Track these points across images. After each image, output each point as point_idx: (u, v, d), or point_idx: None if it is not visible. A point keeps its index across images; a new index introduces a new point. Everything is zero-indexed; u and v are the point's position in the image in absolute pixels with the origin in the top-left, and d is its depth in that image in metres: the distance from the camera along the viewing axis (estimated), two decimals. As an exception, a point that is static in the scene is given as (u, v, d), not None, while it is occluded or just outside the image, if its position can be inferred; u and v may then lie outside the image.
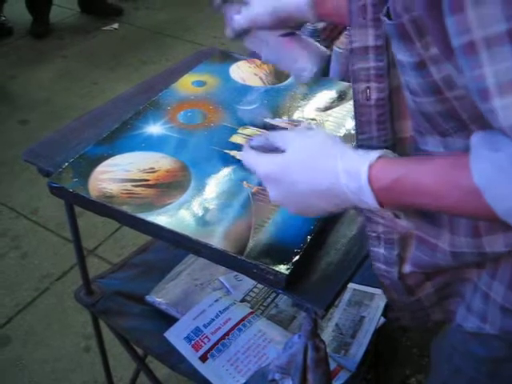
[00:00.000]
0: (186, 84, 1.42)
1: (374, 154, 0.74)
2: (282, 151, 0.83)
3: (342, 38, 1.70)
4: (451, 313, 0.92)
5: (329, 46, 1.76)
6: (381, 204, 0.74)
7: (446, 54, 0.63)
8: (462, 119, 0.69)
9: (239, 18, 1.15)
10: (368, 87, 0.77)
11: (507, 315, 0.83)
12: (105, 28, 4.23)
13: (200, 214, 1.02)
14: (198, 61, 1.56)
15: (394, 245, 0.86)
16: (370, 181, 0.73)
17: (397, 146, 0.79)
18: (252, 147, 0.89)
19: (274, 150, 0.85)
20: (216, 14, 1.21)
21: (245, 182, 1.10)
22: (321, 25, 1.84)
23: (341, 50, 1.66)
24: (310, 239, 0.98)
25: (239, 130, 1.25)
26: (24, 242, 2.50)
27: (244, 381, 1.26)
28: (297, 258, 0.94)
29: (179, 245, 1.02)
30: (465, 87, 0.63)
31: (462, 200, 0.68)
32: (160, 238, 1.05)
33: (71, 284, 2.27)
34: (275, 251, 0.95)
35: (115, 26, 4.26)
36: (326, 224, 1.04)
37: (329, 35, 1.83)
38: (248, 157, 0.88)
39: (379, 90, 0.76)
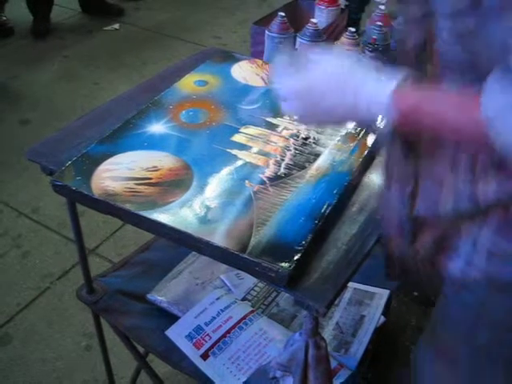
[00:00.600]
0: (188, 83, 1.43)
1: (399, 77, 0.81)
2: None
3: (343, 38, 1.70)
4: (443, 267, 0.94)
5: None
6: (399, 124, 0.81)
7: (473, 7, 0.69)
8: (481, 71, 0.74)
9: None
10: (408, 33, 0.84)
11: (493, 260, 0.86)
12: (106, 28, 4.24)
13: (202, 212, 1.03)
14: (198, 61, 1.57)
15: (407, 183, 0.90)
16: (393, 100, 0.80)
17: None
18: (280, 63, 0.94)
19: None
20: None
21: (247, 181, 1.10)
22: (322, 26, 1.85)
23: (342, 51, 1.66)
24: (312, 237, 0.98)
25: (241, 130, 1.26)
26: (25, 241, 2.50)
27: (245, 379, 1.27)
28: (298, 255, 0.94)
29: (181, 242, 1.03)
30: (486, 40, 0.70)
31: (470, 130, 0.76)
32: (162, 236, 1.05)
33: (72, 283, 2.27)
34: (277, 249, 0.96)
35: (116, 26, 4.26)
36: (327, 222, 1.04)
37: (330, 35, 1.84)
38: (278, 70, 0.93)
39: (416, 37, 0.82)
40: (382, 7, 1.88)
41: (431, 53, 0.82)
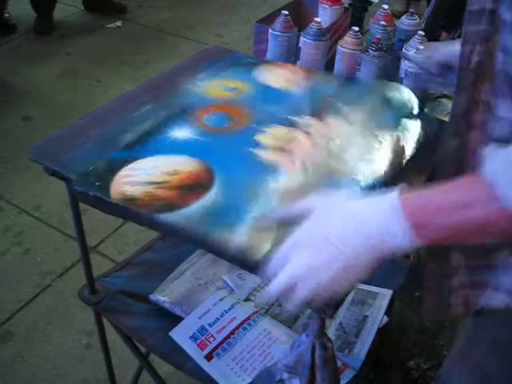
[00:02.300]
0: (217, 89, 1.40)
1: (396, 190, 0.76)
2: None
3: (347, 37, 1.70)
4: (471, 304, 0.92)
5: (334, 45, 1.76)
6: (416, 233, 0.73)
7: None
8: None
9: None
10: (472, 50, 0.81)
11: None
12: (108, 26, 4.23)
13: (221, 215, 1.00)
14: (201, 60, 1.56)
15: None
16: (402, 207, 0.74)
17: (472, 109, 0.83)
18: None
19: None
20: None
21: (269, 186, 1.06)
22: (326, 25, 1.84)
23: (345, 49, 1.66)
24: None
25: (267, 132, 1.22)
26: (26, 239, 2.51)
27: (250, 380, 1.26)
28: None
29: (199, 245, 1.01)
30: None
31: (483, 210, 0.69)
32: (180, 239, 1.04)
33: (73, 281, 2.28)
34: None
35: (118, 23, 4.25)
36: None
37: (334, 34, 1.83)
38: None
39: (480, 54, 0.79)
40: (386, 6, 1.88)
41: (486, 71, 0.80)
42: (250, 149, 1.17)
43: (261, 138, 1.21)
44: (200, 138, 1.22)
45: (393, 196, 0.75)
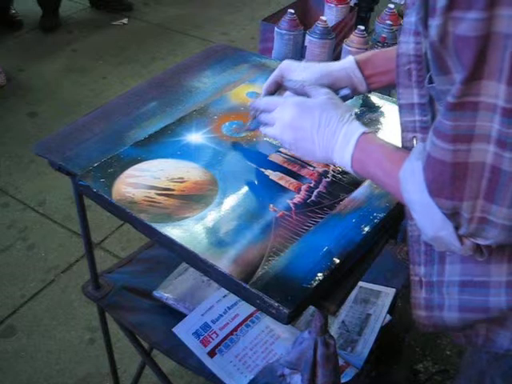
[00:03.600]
0: (240, 94, 1.37)
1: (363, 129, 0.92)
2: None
3: (352, 36, 1.70)
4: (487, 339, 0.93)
5: (339, 44, 1.77)
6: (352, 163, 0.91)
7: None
8: None
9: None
10: (414, 137, 0.87)
11: None
12: (114, 23, 4.23)
13: (215, 233, 0.98)
14: (206, 57, 1.56)
15: (434, 287, 0.92)
16: (357, 143, 0.90)
17: None
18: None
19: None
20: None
21: (271, 205, 1.04)
22: (332, 23, 1.85)
23: (350, 48, 1.66)
24: (323, 277, 0.91)
25: (281, 149, 1.18)
26: (31, 234, 2.51)
27: (252, 376, 1.27)
28: (303, 295, 0.88)
29: (188, 261, 0.99)
30: None
31: (391, 184, 0.85)
32: (171, 251, 1.01)
33: (77, 276, 2.28)
34: (283, 284, 0.89)
35: (125, 20, 4.26)
36: (347, 261, 0.97)
37: (339, 33, 1.83)
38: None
39: (423, 141, 0.81)
40: (392, 6, 1.89)
41: None
42: (261, 169, 1.13)
43: (274, 157, 1.17)
44: (213, 146, 1.19)
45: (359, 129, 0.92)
